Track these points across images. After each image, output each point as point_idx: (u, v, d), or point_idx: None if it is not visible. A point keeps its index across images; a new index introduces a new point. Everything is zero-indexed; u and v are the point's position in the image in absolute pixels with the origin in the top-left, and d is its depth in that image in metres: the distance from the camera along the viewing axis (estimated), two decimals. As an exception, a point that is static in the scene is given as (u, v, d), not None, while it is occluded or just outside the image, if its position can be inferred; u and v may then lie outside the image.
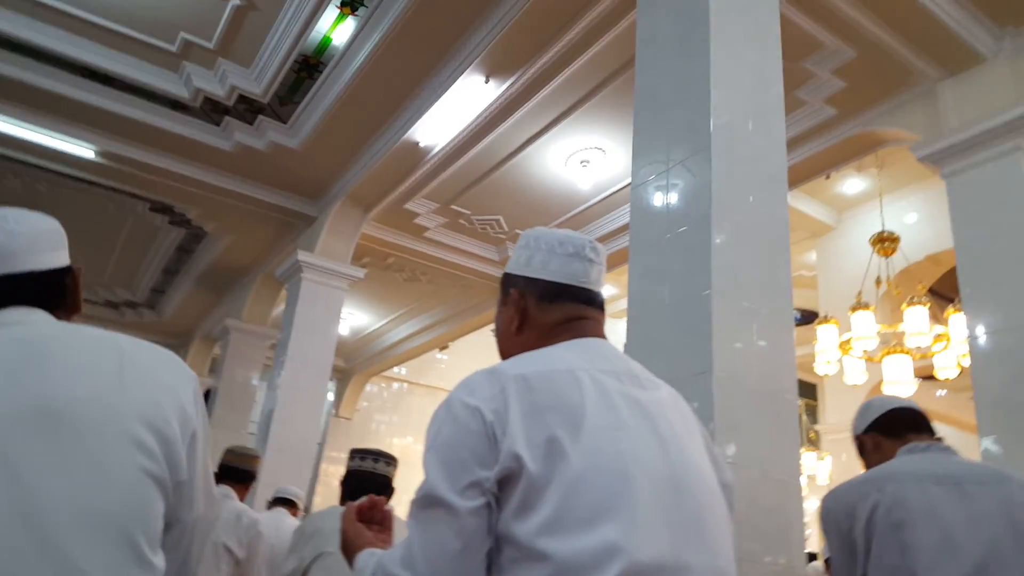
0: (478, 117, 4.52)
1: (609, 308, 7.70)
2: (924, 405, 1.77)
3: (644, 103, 2.57)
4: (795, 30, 3.51)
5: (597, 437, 0.91)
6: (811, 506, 5.34)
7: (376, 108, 4.63)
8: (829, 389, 7.11)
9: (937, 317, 4.99)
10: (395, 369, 10.30)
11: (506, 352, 1.13)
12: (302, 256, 5.65)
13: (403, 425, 10.55)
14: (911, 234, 5.57)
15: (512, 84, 4.17)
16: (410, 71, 4.25)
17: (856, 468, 1.78)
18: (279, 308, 7.04)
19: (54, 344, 0.94)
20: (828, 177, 5.30)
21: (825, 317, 5.10)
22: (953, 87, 3.78)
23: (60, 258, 1.07)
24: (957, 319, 4.57)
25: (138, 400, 0.92)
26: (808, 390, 8.43)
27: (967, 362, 3.99)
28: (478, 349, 8.76)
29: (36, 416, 0.86)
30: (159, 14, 4.16)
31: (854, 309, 4.84)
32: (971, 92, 3.70)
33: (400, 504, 1.37)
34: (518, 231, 6.07)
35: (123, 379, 0.93)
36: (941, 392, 7.62)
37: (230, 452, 3.02)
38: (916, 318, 4.67)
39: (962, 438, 7.58)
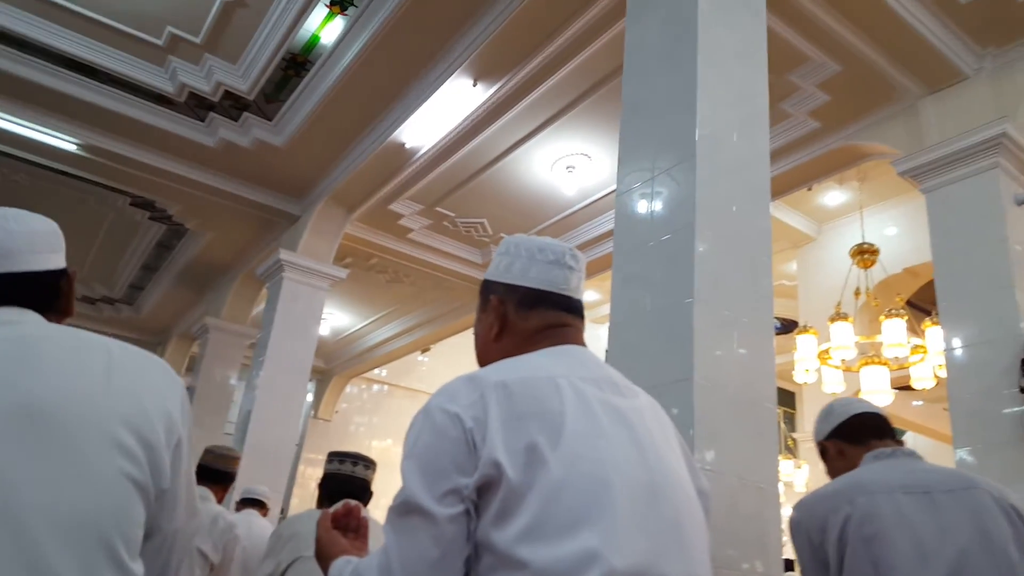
0: (465, 120, 4.52)
1: (591, 314, 7.73)
2: (901, 415, 1.79)
3: (631, 111, 2.59)
4: (781, 43, 3.55)
5: (577, 444, 0.91)
6: (788, 513, 5.36)
7: (363, 108, 4.62)
8: (807, 398, 7.17)
9: (914, 329, 5.06)
10: (375, 371, 10.22)
11: (485, 358, 1.13)
12: (284, 255, 5.60)
13: (383, 427, 10.48)
14: (890, 246, 5.64)
15: (500, 88, 4.18)
16: (398, 72, 4.24)
17: (832, 476, 1.78)
18: (259, 307, 6.98)
19: (43, 345, 0.94)
20: (810, 189, 5.35)
21: (804, 327, 5.15)
22: (935, 104, 3.84)
23: (56, 260, 1.07)
24: (934, 331, 4.64)
25: (123, 404, 0.92)
26: (787, 398, 8.49)
27: (943, 373, 4.04)
28: (459, 352, 8.72)
29: (20, 415, 0.85)
30: (145, 7, 4.12)
31: (833, 319, 4.91)
32: (952, 109, 3.76)
33: (379, 508, 1.36)
34: (502, 234, 6.06)
35: (110, 382, 0.92)
36: (918, 403, 7.72)
37: (209, 452, 2.90)
38: (894, 330, 4.74)
39: (938, 448, 7.69)
